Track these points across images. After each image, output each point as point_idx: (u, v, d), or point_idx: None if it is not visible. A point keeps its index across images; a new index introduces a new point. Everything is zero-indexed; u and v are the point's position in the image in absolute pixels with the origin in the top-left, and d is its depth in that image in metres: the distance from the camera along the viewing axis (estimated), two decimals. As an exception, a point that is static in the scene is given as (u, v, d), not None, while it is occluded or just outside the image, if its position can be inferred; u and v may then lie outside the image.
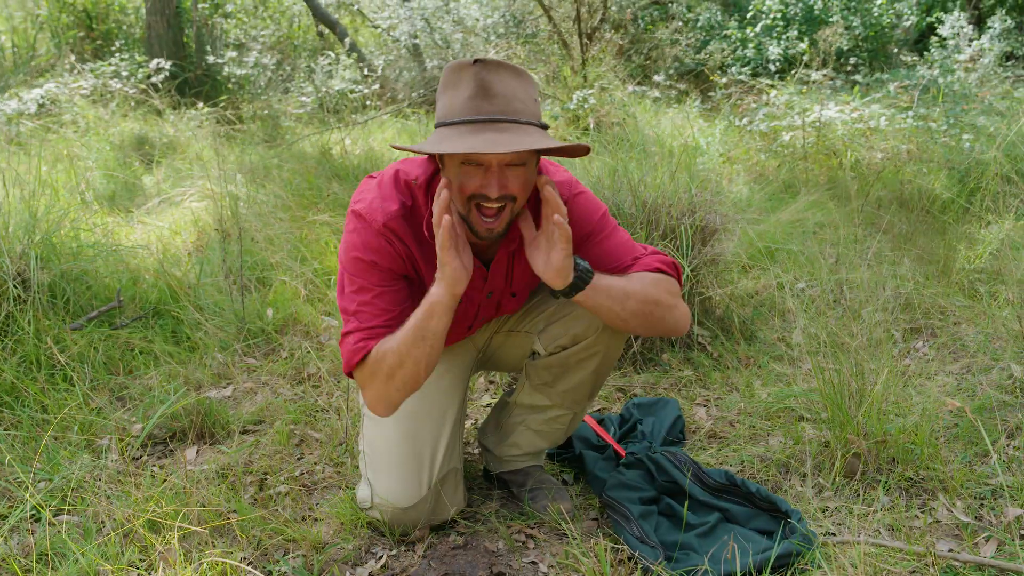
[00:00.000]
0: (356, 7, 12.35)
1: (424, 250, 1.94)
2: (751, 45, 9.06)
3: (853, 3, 9.10)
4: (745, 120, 5.94)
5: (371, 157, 6.16)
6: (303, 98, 8.30)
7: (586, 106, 6.16)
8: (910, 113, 5.57)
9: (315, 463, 2.52)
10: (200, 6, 9.73)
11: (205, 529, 2.06)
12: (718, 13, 10.05)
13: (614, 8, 8.52)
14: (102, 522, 2.13)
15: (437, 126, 1.79)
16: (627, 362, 3.15)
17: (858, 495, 2.23)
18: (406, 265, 1.95)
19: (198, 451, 2.60)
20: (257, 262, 3.97)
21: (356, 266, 1.92)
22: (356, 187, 2.06)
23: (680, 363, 3.14)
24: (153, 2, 9.09)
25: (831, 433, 2.39)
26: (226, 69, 9.07)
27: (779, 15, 9.12)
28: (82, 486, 2.28)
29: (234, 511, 2.20)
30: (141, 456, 2.57)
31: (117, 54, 8.93)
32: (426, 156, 1.98)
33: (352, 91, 8.27)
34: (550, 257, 1.81)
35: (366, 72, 8.80)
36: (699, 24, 9.81)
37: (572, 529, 2.11)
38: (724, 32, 9.49)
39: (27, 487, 2.24)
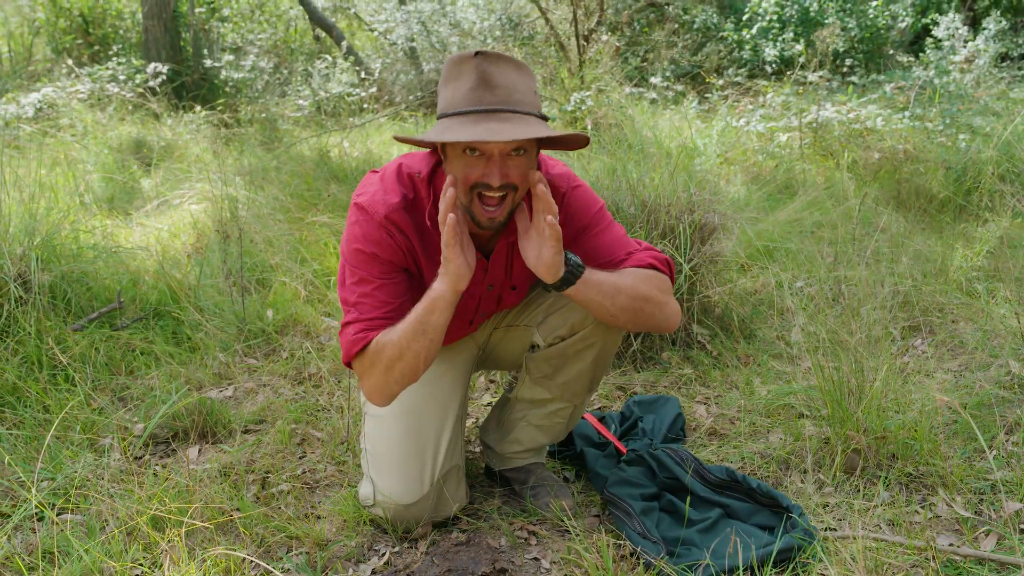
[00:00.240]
0: (353, 11, 12.37)
1: (425, 243, 1.96)
2: (747, 47, 9.09)
3: (849, 5, 9.13)
4: (742, 121, 5.96)
5: (369, 159, 6.17)
6: (300, 101, 8.31)
7: (584, 108, 6.18)
8: (906, 113, 5.59)
9: (317, 462, 2.53)
10: (197, 10, 9.74)
11: (211, 525, 2.06)
12: (714, 15, 10.08)
13: (611, 10, 8.55)
14: (105, 520, 2.13)
15: (439, 118, 1.81)
16: (627, 360, 3.16)
17: (858, 491, 2.24)
18: (407, 258, 1.97)
19: (200, 450, 2.61)
20: (257, 263, 3.98)
21: (357, 258, 1.93)
22: (355, 188, 2.09)
23: (680, 361, 3.15)
24: (150, 6, 9.10)
25: (831, 429, 2.40)
26: (223, 73, 9.08)
27: (775, 17, 9.15)
28: (85, 485, 2.29)
29: (237, 509, 2.21)
30: (143, 455, 2.57)
31: (114, 58, 8.94)
32: (428, 150, 2.00)
33: (349, 94, 8.28)
34: (541, 253, 1.83)
35: (363, 75, 8.81)
36: (695, 26, 9.84)
37: (574, 525, 2.11)
38: (720, 34, 9.52)
39: (30, 486, 2.24)
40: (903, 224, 4.11)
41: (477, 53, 1.78)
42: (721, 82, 7.40)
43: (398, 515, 2.11)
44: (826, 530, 2.06)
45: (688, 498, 2.15)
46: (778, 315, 3.47)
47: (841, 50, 8.80)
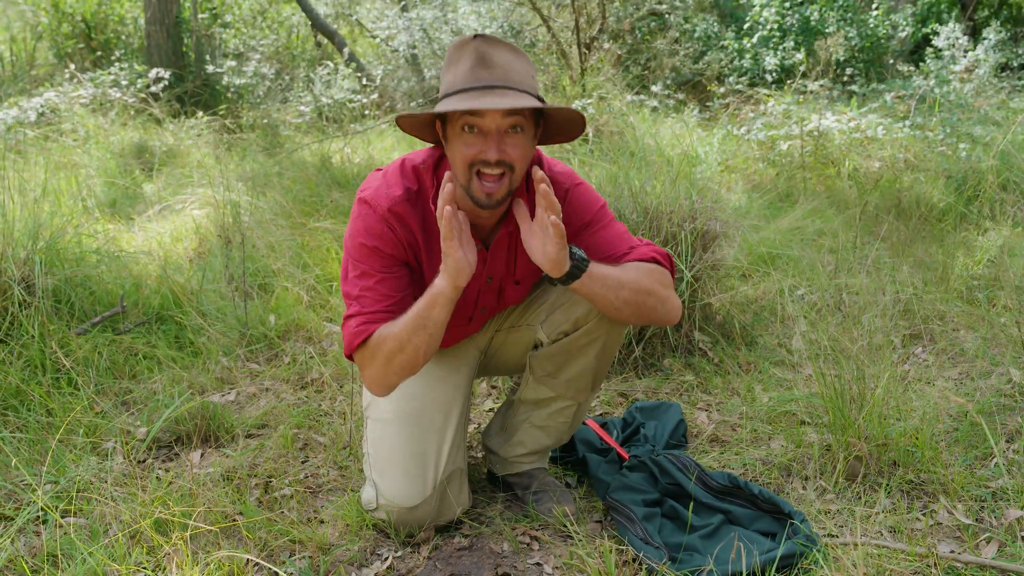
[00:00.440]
0: (355, 18, 12.41)
1: (428, 237, 2.00)
2: (748, 56, 9.12)
3: (849, 14, 9.16)
4: (743, 129, 5.98)
5: (371, 165, 6.19)
6: (302, 107, 8.33)
7: (585, 115, 6.19)
8: (907, 122, 5.61)
9: (319, 466, 2.53)
10: (200, 16, 9.77)
11: (216, 528, 2.07)
12: (715, 24, 10.11)
13: (612, 19, 8.57)
14: (109, 524, 2.14)
15: (440, 99, 1.87)
16: (629, 367, 3.17)
17: (860, 497, 2.24)
18: (408, 252, 2.00)
19: (203, 454, 2.61)
20: (259, 269, 3.99)
21: (360, 252, 1.97)
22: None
23: (681, 368, 3.16)
24: (153, 12, 9.13)
25: (832, 436, 2.41)
26: (225, 78, 9.10)
27: (776, 26, 9.18)
28: (88, 488, 2.29)
29: (240, 513, 2.21)
30: (146, 459, 2.58)
31: (117, 63, 8.96)
32: (432, 146, 2.05)
33: (351, 101, 8.30)
34: (546, 248, 1.87)
35: (365, 82, 8.83)
36: (696, 35, 9.87)
37: (577, 531, 2.12)
38: (721, 43, 9.55)
39: (34, 488, 2.24)
40: (904, 232, 4.12)
41: (476, 36, 1.85)
42: (722, 90, 7.42)
43: (401, 518, 2.11)
44: (828, 536, 2.06)
45: (691, 504, 2.15)
46: (779, 322, 3.48)
47: (842, 59, 8.83)
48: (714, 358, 3.21)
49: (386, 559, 2.07)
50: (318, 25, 10.74)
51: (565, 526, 2.17)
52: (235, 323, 3.43)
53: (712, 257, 3.28)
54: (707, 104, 7.75)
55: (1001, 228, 4.17)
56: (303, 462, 2.57)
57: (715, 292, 3.35)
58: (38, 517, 2.21)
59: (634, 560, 2.01)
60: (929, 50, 8.26)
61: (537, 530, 2.18)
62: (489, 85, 1.80)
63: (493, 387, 3.13)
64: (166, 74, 8.27)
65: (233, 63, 9.32)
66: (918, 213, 4.43)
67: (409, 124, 1.97)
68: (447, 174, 1.82)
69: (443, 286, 1.85)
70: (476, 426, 2.85)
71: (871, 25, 9.10)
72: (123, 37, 10.52)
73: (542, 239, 1.87)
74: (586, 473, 2.45)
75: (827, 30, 8.94)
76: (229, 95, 9.10)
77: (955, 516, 2.13)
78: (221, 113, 8.30)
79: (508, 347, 2.31)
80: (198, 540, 2.07)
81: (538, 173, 1.81)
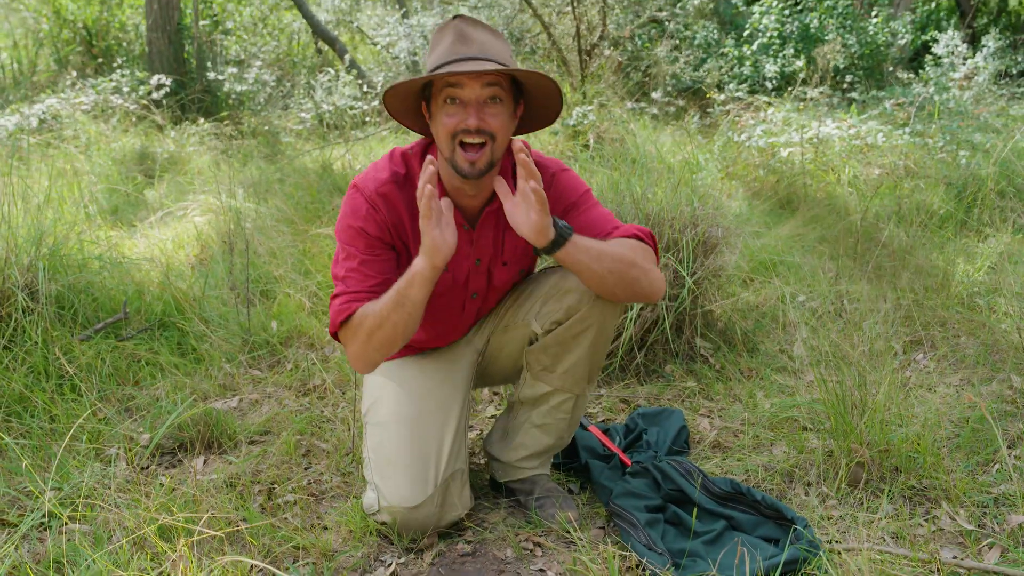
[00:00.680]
0: (355, 25, 12.43)
1: (415, 219, 2.07)
2: (748, 63, 9.14)
3: (849, 22, 9.19)
4: (743, 136, 5.99)
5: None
6: (303, 114, 8.34)
7: (586, 122, 6.21)
8: (907, 130, 5.63)
9: (322, 473, 2.54)
10: (201, 23, 9.79)
11: (221, 533, 2.07)
12: (715, 31, 10.14)
13: (612, 26, 8.60)
14: (112, 530, 2.14)
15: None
16: (631, 374, 3.18)
17: (862, 503, 2.25)
18: (393, 234, 2.08)
19: (206, 461, 2.62)
20: (261, 275, 3.99)
21: (347, 233, 2.07)
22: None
23: (683, 374, 3.16)
24: (154, 19, 9.15)
25: (834, 442, 2.41)
26: (227, 85, 9.12)
27: (775, 33, 9.20)
28: (92, 495, 2.29)
29: (243, 519, 2.22)
30: (149, 466, 2.58)
31: (118, 70, 8.98)
32: (422, 137, 2.16)
33: (352, 107, 8.31)
34: (529, 217, 1.92)
35: (365, 89, 8.85)
36: (696, 42, 9.89)
37: (580, 537, 2.12)
38: (721, 50, 9.57)
39: (39, 495, 2.25)
40: (904, 239, 4.13)
41: (456, 16, 2.00)
42: (722, 97, 7.43)
43: (404, 519, 2.11)
44: (830, 542, 2.07)
45: (694, 510, 2.16)
46: (781, 329, 3.49)
47: (841, 66, 8.85)
48: (716, 364, 3.22)
49: (389, 565, 2.08)
50: (319, 32, 10.77)
51: (568, 532, 2.17)
52: (237, 329, 3.44)
53: (713, 264, 3.29)
54: (707, 111, 7.76)
55: (1001, 235, 4.18)
56: (306, 468, 2.57)
57: (717, 298, 3.36)
58: (42, 523, 2.21)
59: (637, 566, 2.02)
60: (928, 57, 8.29)
61: (540, 536, 2.19)
62: (468, 57, 1.94)
63: (495, 394, 3.13)
64: (168, 81, 8.29)
65: (234, 70, 9.34)
66: (918, 220, 4.44)
67: (397, 109, 2.07)
68: (428, 157, 1.88)
69: (421, 265, 1.92)
70: (478, 432, 2.85)
71: (870, 32, 9.13)
72: (124, 44, 10.54)
73: (525, 209, 1.93)
74: (589, 479, 2.45)
75: (826, 37, 8.96)
76: (230, 102, 9.11)
77: (957, 522, 2.13)
78: (222, 120, 8.32)
79: (505, 349, 2.33)
80: (202, 546, 2.07)
81: (517, 143, 1.89)
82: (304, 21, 11.03)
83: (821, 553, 1.96)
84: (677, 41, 9.67)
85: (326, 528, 2.23)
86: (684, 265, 3.14)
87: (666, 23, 9.94)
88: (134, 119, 7.82)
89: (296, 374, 3.25)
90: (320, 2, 12.47)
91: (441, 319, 2.24)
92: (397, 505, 2.10)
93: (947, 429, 2.59)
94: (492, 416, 2.98)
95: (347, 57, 9.55)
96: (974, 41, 10.25)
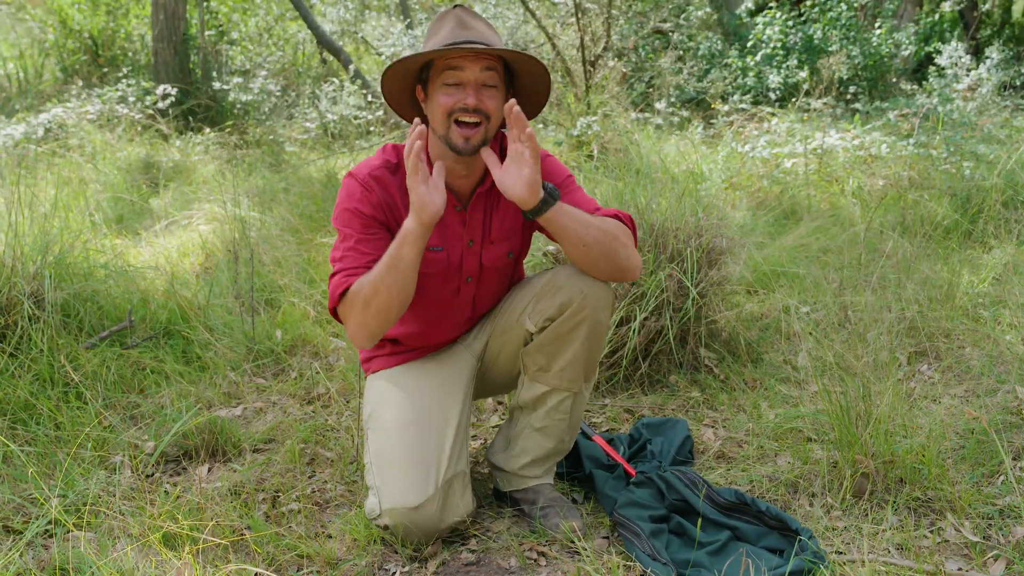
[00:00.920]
0: (360, 35, 12.48)
1: (406, 197, 2.15)
2: (752, 74, 9.15)
3: (852, 33, 9.20)
4: (747, 147, 6.00)
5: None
6: (307, 124, 8.37)
7: (590, 132, 6.22)
8: (911, 141, 5.63)
9: (326, 481, 2.54)
10: (206, 33, 9.84)
11: (226, 542, 2.07)
12: (719, 42, 10.16)
13: (617, 37, 8.62)
14: (117, 537, 2.15)
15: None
16: (635, 384, 3.18)
17: (867, 514, 2.24)
18: (387, 214, 2.16)
19: (210, 469, 2.62)
20: (265, 284, 4.00)
21: (342, 217, 2.16)
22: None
23: (687, 384, 3.16)
24: (160, 29, 9.20)
25: (839, 453, 2.41)
26: (232, 95, 9.16)
27: (779, 44, 9.22)
28: (97, 502, 2.30)
29: (248, 527, 2.22)
30: (154, 474, 2.59)
31: (124, 80, 9.02)
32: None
33: (356, 117, 8.34)
34: (521, 173, 2.00)
35: (370, 98, 8.87)
36: (700, 53, 9.91)
37: (584, 547, 2.12)
38: (725, 61, 9.59)
39: (44, 502, 2.25)
40: (909, 250, 4.13)
41: (456, 6, 2.11)
42: (726, 108, 7.45)
43: (405, 520, 2.10)
44: (835, 553, 2.07)
45: (699, 520, 2.16)
46: (785, 339, 3.49)
47: (845, 77, 8.86)
48: (720, 375, 3.22)
49: (393, 574, 2.08)
50: (324, 42, 10.80)
51: (572, 542, 2.17)
52: (242, 338, 3.45)
53: (718, 274, 3.29)
54: (711, 121, 7.77)
55: (1006, 246, 4.18)
56: (310, 477, 2.57)
57: (721, 309, 3.36)
58: (47, 531, 2.22)
59: (642, 576, 2.02)
60: (932, 69, 8.29)
61: (544, 546, 2.19)
62: (467, 41, 2.04)
63: (499, 403, 3.14)
64: (173, 90, 8.32)
65: (239, 80, 9.38)
66: (923, 231, 4.44)
67: (392, 90, 2.16)
68: (416, 120, 1.96)
69: (411, 224, 1.98)
70: (481, 442, 2.85)
71: (874, 44, 9.14)
72: (130, 54, 10.59)
73: (517, 168, 2.01)
74: (593, 489, 2.45)
75: (830, 48, 8.98)
76: (235, 111, 9.15)
77: (962, 533, 2.13)
78: (227, 129, 8.35)
79: (503, 353, 2.36)
80: (206, 554, 2.07)
81: (510, 101, 1.97)
82: (309, 31, 11.07)
83: (826, 565, 1.95)
84: (681, 52, 9.69)
85: (330, 537, 2.23)
86: (688, 275, 3.14)
87: (670, 34, 9.97)
88: (139, 128, 7.85)
89: (300, 383, 3.25)
90: (325, 13, 12.51)
91: (436, 304, 2.28)
92: (398, 506, 2.10)
93: (952, 440, 2.58)
94: (496, 426, 2.98)
95: (352, 67, 9.57)
96: (978, 53, 10.25)
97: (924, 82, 8.33)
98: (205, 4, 10.18)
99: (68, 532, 2.17)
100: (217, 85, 9.15)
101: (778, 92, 8.86)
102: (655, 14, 9.55)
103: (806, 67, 8.86)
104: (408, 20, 10.97)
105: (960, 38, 10.42)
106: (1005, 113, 6.61)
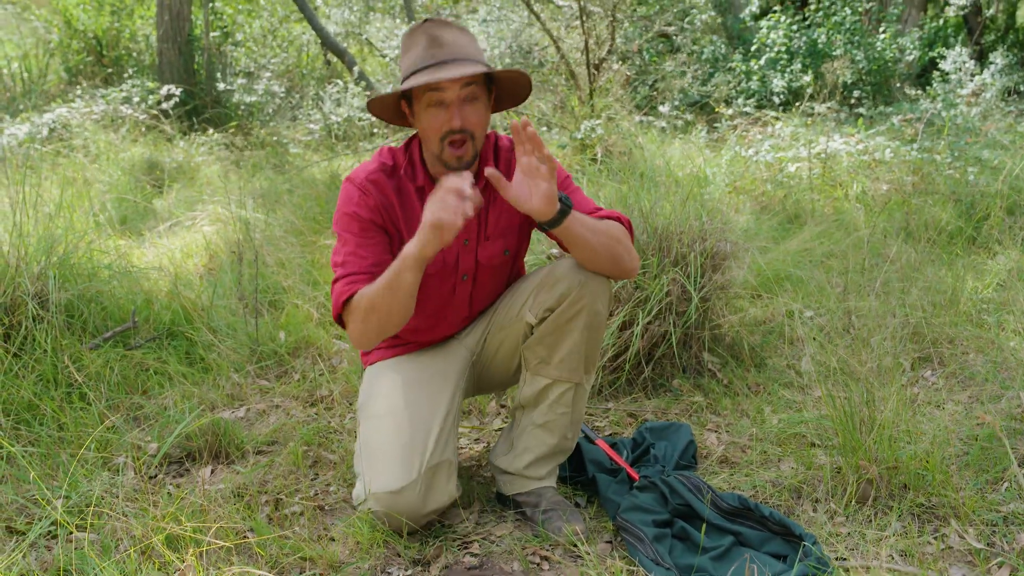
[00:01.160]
0: (364, 37, 12.49)
1: (403, 200, 2.24)
2: (755, 78, 9.15)
3: (856, 37, 9.20)
4: (751, 151, 6.00)
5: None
6: (311, 125, 8.38)
7: (594, 135, 6.22)
8: (915, 146, 5.62)
9: (329, 483, 2.54)
10: (211, 34, 9.85)
11: (229, 544, 2.07)
12: (723, 46, 10.16)
13: (621, 40, 8.63)
14: (120, 539, 2.14)
15: (403, 81, 2.14)
16: (638, 388, 3.17)
17: (870, 520, 2.24)
18: (385, 217, 2.22)
19: (213, 471, 2.62)
20: (269, 285, 4.01)
21: (342, 221, 2.21)
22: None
23: (691, 389, 3.16)
24: (165, 30, 9.22)
25: (843, 459, 2.40)
26: (236, 96, 9.17)
27: (783, 48, 9.22)
28: (100, 503, 2.30)
29: (251, 529, 2.22)
30: (157, 475, 2.59)
31: (128, 80, 9.03)
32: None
33: (360, 119, 8.35)
34: (539, 187, 2.02)
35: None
36: (704, 57, 9.91)
37: (587, 551, 2.12)
38: (729, 65, 9.59)
39: (47, 503, 2.25)
40: (912, 255, 4.13)
41: (426, 20, 2.14)
42: (730, 112, 7.44)
43: (388, 505, 2.12)
44: (839, 559, 2.06)
45: (703, 525, 2.15)
46: (788, 344, 3.48)
47: (849, 82, 8.86)
48: (723, 379, 3.21)
49: (396, 577, 2.08)
50: (328, 44, 10.81)
51: (575, 546, 2.17)
52: (245, 340, 3.45)
53: (721, 278, 3.29)
54: (715, 125, 7.77)
55: (1010, 252, 4.17)
56: (313, 479, 2.57)
57: (724, 313, 3.36)
58: (50, 532, 2.22)
59: (645, 581, 2.01)
60: (936, 74, 8.30)
61: (547, 550, 2.18)
62: (443, 60, 2.07)
63: (503, 406, 3.14)
64: (177, 91, 8.34)
65: (244, 81, 9.39)
66: (927, 236, 4.43)
67: (378, 109, 2.22)
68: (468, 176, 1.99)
69: (412, 251, 1.99)
70: (484, 445, 2.85)
71: (878, 48, 9.14)
72: (135, 54, 10.60)
73: (532, 183, 2.02)
74: (596, 493, 2.45)
75: (834, 53, 8.98)
76: (239, 112, 9.16)
77: (966, 540, 2.12)
78: (231, 130, 8.36)
79: (502, 348, 2.38)
80: (209, 556, 2.07)
81: (522, 119, 2.00)
82: (313, 33, 11.08)
83: (830, 570, 1.95)
84: (685, 55, 9.69)
85: (333, 539, 2.23)
86: (692, 279, 3.14)
87: (674, 38, 9.97)
88: (144, 129, 7.86)
89: (303, 385, 3.25)
90: (329, 14, 12.53)
91: (432, 302, 2.31)
92: (380, 491, 2.12)
93: (956, 446, 2.58)
94: (498, 429, 2.98)
95: (356, 69, 9.58)
96: (982, 58, 10.26)
97: (928, 87, 8.33)
98: (210, 5, 10.20)
99: (71, 533, 2.17)
100: (221, 86, 9.17)
101: (782, 96, 8.86)
102: (659, 18, 9.55)
103: (810, 71, 8.86)
104: (412, 22, 10.97)
105: (964, 43, 10.42)
106: (1009, 118, 6.60)
